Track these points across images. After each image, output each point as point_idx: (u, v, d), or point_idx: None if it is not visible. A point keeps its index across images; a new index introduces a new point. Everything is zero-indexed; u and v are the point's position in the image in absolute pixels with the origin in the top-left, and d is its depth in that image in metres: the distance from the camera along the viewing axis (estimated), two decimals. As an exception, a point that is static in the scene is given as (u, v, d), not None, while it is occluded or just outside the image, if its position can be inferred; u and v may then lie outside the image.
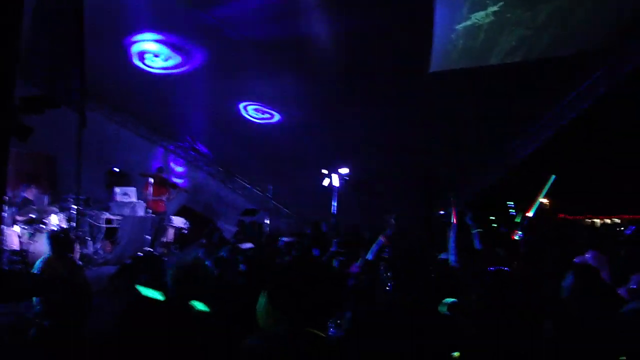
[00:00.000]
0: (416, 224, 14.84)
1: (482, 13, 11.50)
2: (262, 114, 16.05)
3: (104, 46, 11.64)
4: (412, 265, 3.90)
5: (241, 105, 15.83)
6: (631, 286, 4.27)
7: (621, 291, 4.31)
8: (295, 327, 2.46)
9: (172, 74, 14.11)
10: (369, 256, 5.29)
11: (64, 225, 11.69)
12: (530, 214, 6.75)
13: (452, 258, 5.04)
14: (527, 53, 12.99)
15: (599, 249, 5.42)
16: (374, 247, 5.39)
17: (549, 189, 7.17)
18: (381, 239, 5.47)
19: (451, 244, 5.03)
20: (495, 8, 11.33)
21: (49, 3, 3.90)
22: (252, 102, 15.70)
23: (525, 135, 16.70)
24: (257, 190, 16.77)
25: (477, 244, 5.45)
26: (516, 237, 6.29)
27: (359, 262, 5.73)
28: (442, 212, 13.26)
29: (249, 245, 11.25)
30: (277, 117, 16.04)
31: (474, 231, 5.55)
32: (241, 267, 5.50)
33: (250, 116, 16.11)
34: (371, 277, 4.95)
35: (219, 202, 16.80)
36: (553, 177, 7.03)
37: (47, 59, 4.18)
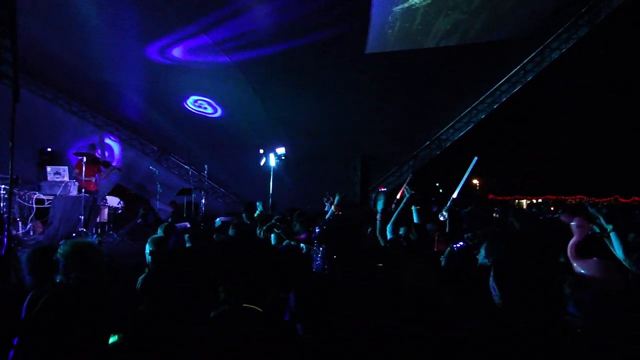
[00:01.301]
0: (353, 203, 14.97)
1: (419, -5, 11.62)
2: (203, 108, 15.97)
3: (37, 18, 11.16)
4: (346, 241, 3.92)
5: (189, 101, 15.75)
6: None
7: None
8: (235, 305, 2.49)
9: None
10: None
11: (-8, 205, 11.22)
12: (454, 195, 6.87)
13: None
14: (461, 37, 13.24)
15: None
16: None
17: (473, 170, 7.31)
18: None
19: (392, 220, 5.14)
20: (432, -10, 11.48)
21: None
22: (194, 95, 15.58)
23: (458, 118, 17.15)
24: (193, 169, 16.51)
25: (415, 219, 5.62)
26: (441, 218, 6.47)
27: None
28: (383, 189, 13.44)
29: (185, 224, 11.11)
30: (218, 111, 15.96)
31: (414, 208, 5.73)
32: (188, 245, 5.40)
33: (191, 108, 15.96)
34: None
35: (153, 181, 16.42)
36: (475, 158, 7.16)
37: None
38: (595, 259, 4.27)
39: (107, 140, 17.61)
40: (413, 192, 5.66)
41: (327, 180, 15.83)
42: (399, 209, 5.32)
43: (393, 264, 3.74)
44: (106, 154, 17.22)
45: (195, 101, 15.84)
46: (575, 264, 4.35)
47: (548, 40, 15.42)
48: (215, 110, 16.05)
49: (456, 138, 17.42)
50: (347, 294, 2.92)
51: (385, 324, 2.85)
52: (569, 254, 4.40)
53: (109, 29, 12.63)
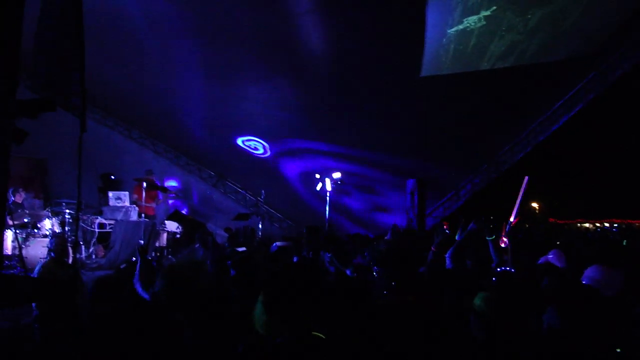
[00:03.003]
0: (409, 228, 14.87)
1: (474, 17, 11.56)
2: (253, 148, 16.41)
3: (100, 50, 11.66)
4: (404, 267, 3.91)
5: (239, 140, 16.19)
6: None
7: None
8: (297, 332, 2.46)
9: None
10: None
11: (57, 230, 11.65)
12: (512, 219, 6.72)
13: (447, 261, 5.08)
14: (517, 58, 13.08)
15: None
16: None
17: (531, 193, 7.19)
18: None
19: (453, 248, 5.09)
20: (487, 12, 11.39)
21: (51, 8, 3.92)
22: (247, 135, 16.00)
23: (516, 140, 16.85)
24: (249, 194, 16.77)
25: (492, 252, 5.42)
26: (502, 245, 6.31)
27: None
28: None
29: (241, 249, 11.25)
30: (268, 153, 16.35)
31: (488, 238, 5.52)
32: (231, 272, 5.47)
33: (243, 147, 16.42)
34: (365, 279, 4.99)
35: (210, 206, 16.77)
36: (526, 178, 7.02)
37: (46, 63, 4.19)
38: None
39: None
40: (482, 219, 5.48)
41: (383, 205, 15.81)
42: (461, 237, 5.23)
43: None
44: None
45: (245, 141, 16.29)
46: None
47: (610, 58, 15.04)
48: (265, 152, 16.38)
49: (514, 161, 17.09)
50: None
51: None
52: None
53: (166, 59, 13.09)
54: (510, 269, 4.84)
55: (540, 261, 5.44)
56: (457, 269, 4.96)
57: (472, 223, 5.45)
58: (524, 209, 9.15)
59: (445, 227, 11.92)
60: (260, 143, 16.42)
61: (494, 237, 5.50)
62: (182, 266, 3.46)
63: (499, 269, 4.72)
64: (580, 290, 3.86)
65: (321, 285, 2.76)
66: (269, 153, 16.57)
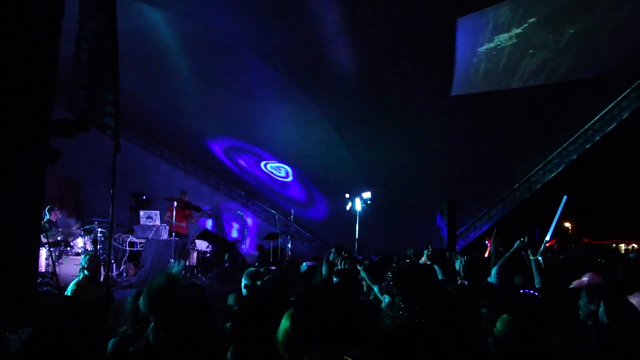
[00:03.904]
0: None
1: (505, 35, 11.49)
2: (277, 170, 16.56)
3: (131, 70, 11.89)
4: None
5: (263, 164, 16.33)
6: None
7: None
8: (330, 356, 2.42)
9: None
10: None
11: (89, 248, 11.81)
12: (547, 238, 6.62)
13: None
14: (549, 76, 12.97)
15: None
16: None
17: (564, 212, 7.05)
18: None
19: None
20: (519, 30, 11.32)
21: (87, 30, 4.01)
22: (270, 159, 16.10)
23: (549, 159, 16.65)
24: (279, 214, 16.82)
25: (536, 274, 5.34)
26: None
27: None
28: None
29: (271, 269, 11.27)
30: (290, 177, 16.45)
31: (532, 258, 5.45)
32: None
33: (267, 171, 16.57)
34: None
35: (240, 225, 16.90)
36: (565, 197, 6.91)
37: (81, 84, 4.28)
38: None
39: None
40: (524, 239, 5.44)
41: (413, 224, 15.71)
42: (506, 255, 5.19)
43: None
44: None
45: (268, 164, 16.48)
46: None
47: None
48: (287, 176, 16.51)
49: (547, 180, 16.87)
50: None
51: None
52: None
53: (198, 79, 13.28)
54: (534, 292, 4.76)
55: (574, 284, 5.30)
56: (503, 286, 4.92)
57: (518, 241, 5.43)
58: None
59: (486, 241, 11.80)
60: (284, 168, 16.57)
61: (537, 257, 5.46)
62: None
63: (522, 290, 4.63)
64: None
65: (356, 307, 2.72)
66: (291, 178, 16.69)
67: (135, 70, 12.10)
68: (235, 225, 18.33)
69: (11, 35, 3.18)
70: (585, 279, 5.27)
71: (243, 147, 16.44)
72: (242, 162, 17.34)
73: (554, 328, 3.55)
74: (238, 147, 16.55)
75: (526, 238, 5.44)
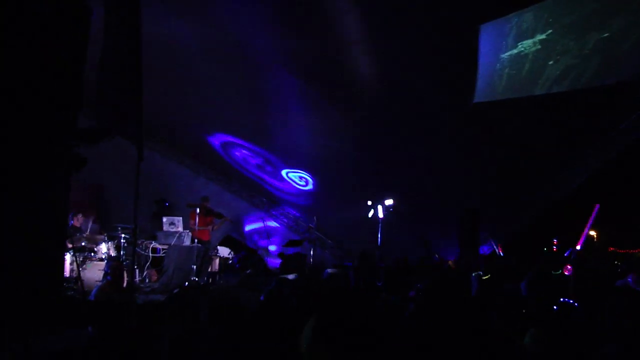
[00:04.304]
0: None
1: (529, 41, 11.44)
2: (299, 178, 16.63)
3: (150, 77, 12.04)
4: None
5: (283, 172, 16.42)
6: None
7: None
8: None
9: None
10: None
11: (113, 254, 11.99)
12: (579, 247, 6.59)
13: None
14: (573, 82, 12.86)
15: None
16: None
17: (595, 219, 7.03)
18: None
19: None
20: (543, 36, 11.26)
21: (113, 40, 4.12)
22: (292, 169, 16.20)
23: (573, 167, 16.44)
24: (301, 220, 16.89)
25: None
26: (566, 273, 6.14)
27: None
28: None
29: (293, 276, 11.32)
30: (310, 185, 16.52)
31: (554, 273, 5.45)
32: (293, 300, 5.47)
33: (292, 180, 16.62)
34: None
35: (261, 232, 16.99)
36: (597, 206, 6.88)
37: (106, 93, 4.39)
38: None
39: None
40: (549, 253, 5.44)
41: (430, 234, 15.67)
42: (535, 269, 5.19)
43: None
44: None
45: (290, 172, 16.55)
46: None
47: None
48: (307, 184, 16.57)
49: (570, 189, 16.67)
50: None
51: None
52: None
53: (217, 87, 13.41)
54: (571, 301, 4.73)
55: (618, 284, 5.25)
56: (533, 299, 4.90)
57: (542, 257, 5.42)
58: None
59: (499, 250, 11.75)
60: (305, 177, 16.64)
61: (559, 272, 5.43)
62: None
63: (561, 299, 4.60)
64: None
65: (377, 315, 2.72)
66: (311, 185, 16.75)
67: (158, 80, 12.28)
68: (258, 232, 18.42)
69: (38, 47, 3.29)
70: (629, 279, 5.22)
71: (263, 154, 16.53)
72: (263, 171, 17.44)
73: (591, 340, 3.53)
74: (257, 152, 16.64)
75: (545, 251, 5.44)
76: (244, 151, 16.66)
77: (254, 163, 17.05)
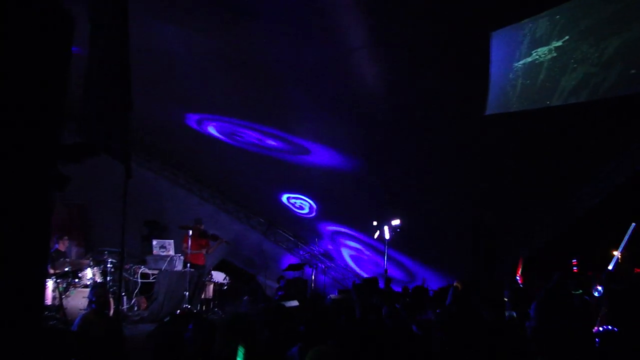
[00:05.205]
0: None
1: (544, 49, 11.43)
2: (299, 207, 16.66)
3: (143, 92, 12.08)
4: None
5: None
6: None
7: None
8: None
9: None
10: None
11: (98, 280, 11.92)
12: (610, 267, 6.56)
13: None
14: (592, 92, 12.83)
15: None
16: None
17: (630, 239, 7.00)
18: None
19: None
20: (559, 43, 11.26)
21: (98, 50, 4.11)
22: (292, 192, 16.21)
23: (594, 182, 16.36)
24: (302, 243, 16.84)
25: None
26: (595, 293, 6.09)
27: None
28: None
29: (293, 303, 11.25)
30: (314, 213, 16.48)
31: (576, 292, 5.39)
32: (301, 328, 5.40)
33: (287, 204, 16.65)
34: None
35: (260, 255, 16.91)
36: (633, 225, 6.85)
37: (91, 107, 4.37)
38: None
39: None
40: (562, 272, 5.37)
41: (442, 254, 15.59)
42: (546, 290, 5.11)
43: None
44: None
45: (290, 198, 16.54)
46: None
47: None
48: (311, 212, 16.56)
49: (592, 205, 16.57)
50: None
51: None
52: None
53: (211, 99, 13.44)
54: (610, 327, 4.66)
55: None
56: (544, 328, 4.80)
57: (555, 275, 5.34)
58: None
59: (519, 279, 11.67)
60: (307, 202, 16.62)
61: (580, 291, 5.37)
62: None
63: (600, 328, 4.51)
64: None
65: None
66: (314, 213, 16.74)
67: (149, 91, 12.31)
68: (254, 256, 18.34)
69: (19, 58, 3.28)
70: None
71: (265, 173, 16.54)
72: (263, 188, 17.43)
73: None
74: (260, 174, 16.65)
75: (561, 272, 5.37)
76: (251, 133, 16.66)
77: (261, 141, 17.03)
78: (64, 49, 3.63)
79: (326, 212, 16.96)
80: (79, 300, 10.74)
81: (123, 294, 12.44)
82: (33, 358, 3.26)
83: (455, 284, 6.73)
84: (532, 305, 4.89)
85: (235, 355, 3.44)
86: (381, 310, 6.17)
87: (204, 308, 13.14)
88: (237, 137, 15.06)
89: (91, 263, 12.23)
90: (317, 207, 16.62)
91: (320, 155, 14.99)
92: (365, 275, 16.86)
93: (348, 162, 14.88)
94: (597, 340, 4.28)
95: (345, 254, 18.28)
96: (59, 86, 3.61)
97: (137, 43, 4.78)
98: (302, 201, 16.71)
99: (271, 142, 14.56)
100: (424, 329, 5.35)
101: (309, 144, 14.78)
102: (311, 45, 11.42)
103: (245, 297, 13.92)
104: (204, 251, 14.05)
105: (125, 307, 12.47)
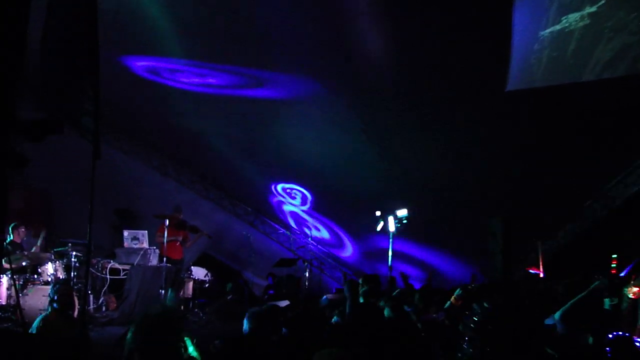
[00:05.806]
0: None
1: (576, 15, 11.31)
2: (292, 197, 16.64)
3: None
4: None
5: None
6: None
7: None
8: None
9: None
10: None
11: (61, 276, 11.85)
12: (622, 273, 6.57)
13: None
14: (630, 66, 12.75)
15: None
16: None
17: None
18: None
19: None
20: (593, 8, 11.14)
21: (60, 16, 4.01)
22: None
23: (630, 171, 16.30)
24: (295, 235, 16.80)
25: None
26: (633, 297, 6.07)
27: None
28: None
29: (284, 303, 11.24)
30: (307, 205, 16.49)
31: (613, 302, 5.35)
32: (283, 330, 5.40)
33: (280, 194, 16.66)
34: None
35: (246, 249, 16.83)
36: None
37: (53, 75, 4.28)
38: None
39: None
40: (601, 279, 5.33)
41: (459, 249, 15.57)
42: (577, 297, 5.09)
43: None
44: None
45: (285, 189, 16.51)
46: None
47: None
48: (304, 202, 16.53)
49: (628, 195, 16.51)
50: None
51: None
52: None
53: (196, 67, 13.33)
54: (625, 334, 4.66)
55: None
56: (573, 337, 4.81)
57: (597, 282, 5.30)
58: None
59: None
60: (300, 191, 16.57)
61: (616, 300, 5.33)
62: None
63: (612, 335, 4.52)
64: None
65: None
66: (308, 205, 16.70)
67: (121, 57, 12.20)
68: (240, 249, 18.27)
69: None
70: None
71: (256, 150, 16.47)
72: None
73: None
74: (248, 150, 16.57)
75: (600, 275, 5.34)
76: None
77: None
78: (19, 9, 3.54)
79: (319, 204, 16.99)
80: (38, 299, 10.66)
81: (89, 292, 12.38)
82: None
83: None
84: (561, 311, 4.89)
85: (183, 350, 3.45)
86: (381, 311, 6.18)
87: (182, 308, 13.11)
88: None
89: (52, 257, 12.15)
90: (312, 198, 16.62)
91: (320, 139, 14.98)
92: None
93: (351, 146, 14.85)
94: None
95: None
96: (14, 47, 3.52)
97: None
98: (296, 191, 16.72)
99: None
100: (429, 330, 5.40)
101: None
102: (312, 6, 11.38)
103: (229, 297, 13.90)
104: (179, 239, 13.88)
105: (91, 307, 12.42)
